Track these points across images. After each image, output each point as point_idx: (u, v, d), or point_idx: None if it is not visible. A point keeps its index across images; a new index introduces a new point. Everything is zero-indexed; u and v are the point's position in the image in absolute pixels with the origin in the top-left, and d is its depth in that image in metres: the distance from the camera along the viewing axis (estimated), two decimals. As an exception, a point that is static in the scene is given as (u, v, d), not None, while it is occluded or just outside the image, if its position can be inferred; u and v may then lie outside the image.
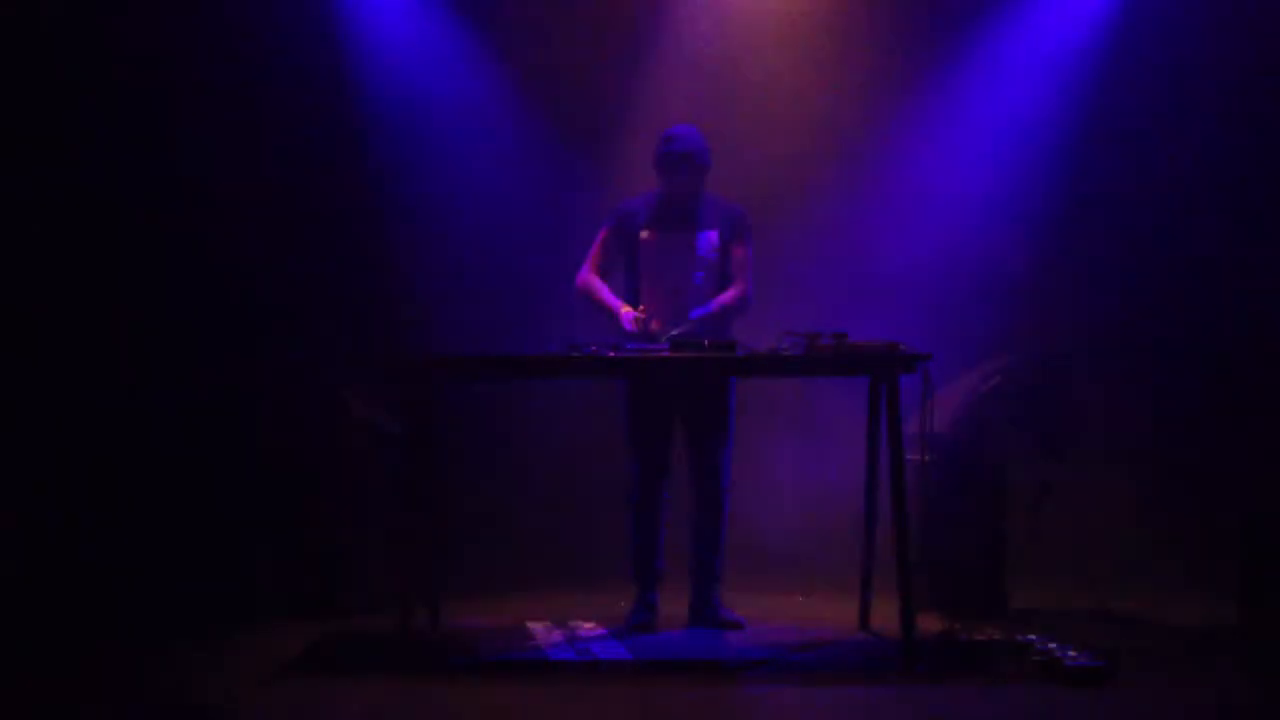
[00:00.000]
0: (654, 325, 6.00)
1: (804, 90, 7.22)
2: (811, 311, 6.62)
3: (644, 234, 6.19)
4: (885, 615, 5.89)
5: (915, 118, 7.24)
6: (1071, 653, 5.57)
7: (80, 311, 6.90)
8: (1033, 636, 5.81)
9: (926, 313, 6.90)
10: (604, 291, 6.22)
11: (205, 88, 6.98)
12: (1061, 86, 7.18)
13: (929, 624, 5.81)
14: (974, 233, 7.18)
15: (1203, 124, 7.02)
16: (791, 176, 7.22)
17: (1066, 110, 7.15)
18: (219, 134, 6.99)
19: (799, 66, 7.22)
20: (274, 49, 7.00)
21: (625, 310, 6.10)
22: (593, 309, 6.25)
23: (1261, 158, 7.01)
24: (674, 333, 5.97)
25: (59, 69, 6.87)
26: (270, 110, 7.02)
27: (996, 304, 7.11)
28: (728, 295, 6.17)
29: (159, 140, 6.97)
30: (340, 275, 7.11)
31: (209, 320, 6.99)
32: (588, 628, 6.15)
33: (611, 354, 5.63)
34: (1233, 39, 6.94)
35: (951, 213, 7.20)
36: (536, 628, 6.16)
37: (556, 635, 6.03)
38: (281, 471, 6.85)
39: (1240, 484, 6.84)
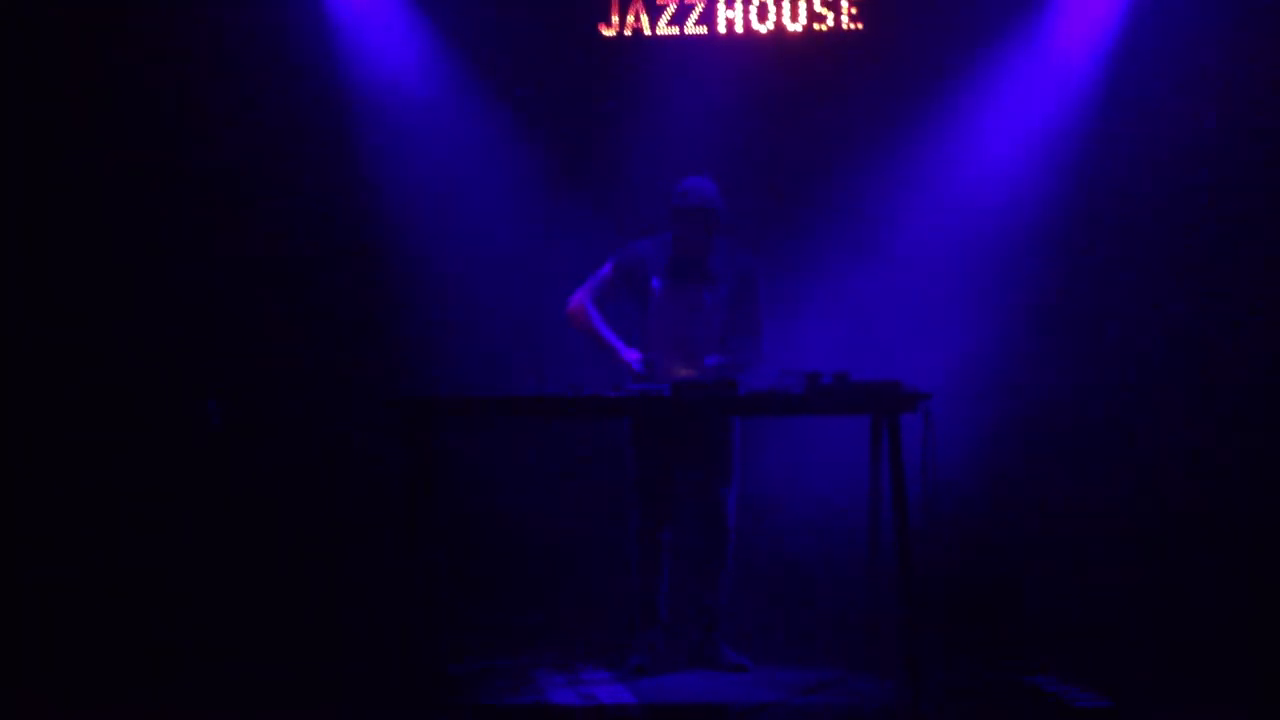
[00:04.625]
0: (664, 370, 6.02)
1: (802, 131, 7.20)
2: (814, 349, 6.62)
3: (655, 282, 6.21)
4: (893, 655, 5.83)
5: (918, 159, 7.19)
6: (1079, 693, 5.53)
7: (70, 349, 6.94)
8: (1040, 677, 5.76)
9: (929, 351, 6.84)
10: (601, 325, 6.24)
11: (206, 121, 7.04)
12: (1071, 119, 7.12)
13: (936, 664, 5.74)
14: (977, 267, 7.12)
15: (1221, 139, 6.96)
16: (791, 215, 7.19)
17: (1080, 141, 7.10)
18: (212, 171, 7.04)
19: (798, 105, 7.20)
20: (272, 85, 7.06)
21: (632, 353, 6.11)
22: (586, 337, 6.27)
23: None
24: (680, 376, 5.98)
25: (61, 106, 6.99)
26: (266, 143, 7.06)
27: (1002, 342, 7.05)
28: (746, 352, 6.20)
29: (149, 173, 7.03)
30: (341, 313, 7.10)
31: (206, 357, 7.00)
32: (591, 671, 6.10)
33: (613, 394, 5.62)
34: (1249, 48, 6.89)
35: (954, 250, 7.14)
36: (539, 671, 6.12)
37: (559, 679, 5.99)
38: (281, 508, 6.86)
39: (1250, 520, 6.79)
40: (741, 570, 6.38)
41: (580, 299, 6.28)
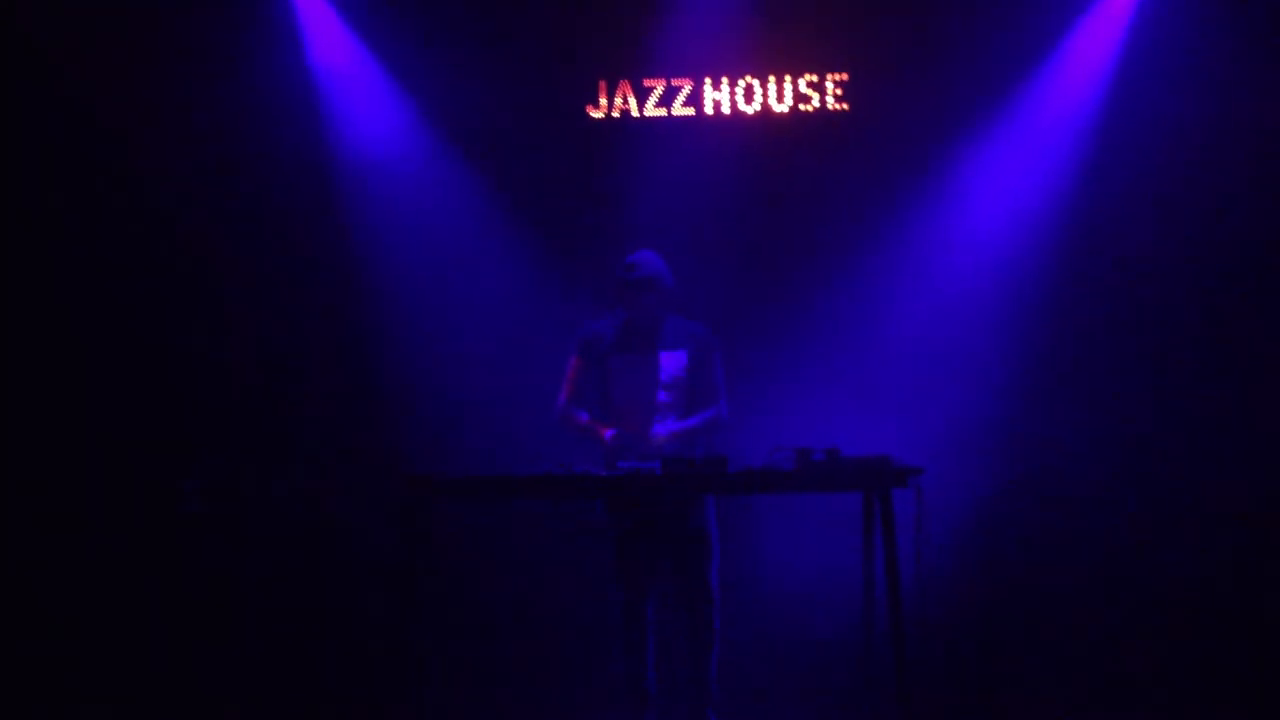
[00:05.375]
0: (632, 440, 6.04)
1: (789, 210, 7.25)
2: (806, 425, 6.61)
3: (610, 354, 6.25)
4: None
5: (905, 236, 7.23)
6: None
7: (61, 431, 6.93)
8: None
9: (921, 424, 6.84)
10: (584, 417, 6.25)
11: (193, 201, 7.12)
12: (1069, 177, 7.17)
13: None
14: (967, 340, 7.14)
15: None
16: (780, 293, 7.22)
17: (1066, 215, 7.14)
18: (207, 256, 7.10)
19: (785, 184, 7.25)
20: (259, 163, 7.13)
21: (607, 431, 6.12)
22: (578, 437, 6.28)
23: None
24: (662, 439, 5.97)
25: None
26: (257, 224, 7.13)
27: (994, 413, 7.05)
28: (703, 415, 6.20)
29: (143, 257, 7.10)
30: (333, 395, 7.11)
31: (198, 438, 6.99)
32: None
33: (604, 473, 5.61)
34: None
35: (944, 324, 7.16)
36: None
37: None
38: (272, 587, 6.83)
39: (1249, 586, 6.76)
40: (734, 641, 6.35)
41: (561, 406, 6.29)
